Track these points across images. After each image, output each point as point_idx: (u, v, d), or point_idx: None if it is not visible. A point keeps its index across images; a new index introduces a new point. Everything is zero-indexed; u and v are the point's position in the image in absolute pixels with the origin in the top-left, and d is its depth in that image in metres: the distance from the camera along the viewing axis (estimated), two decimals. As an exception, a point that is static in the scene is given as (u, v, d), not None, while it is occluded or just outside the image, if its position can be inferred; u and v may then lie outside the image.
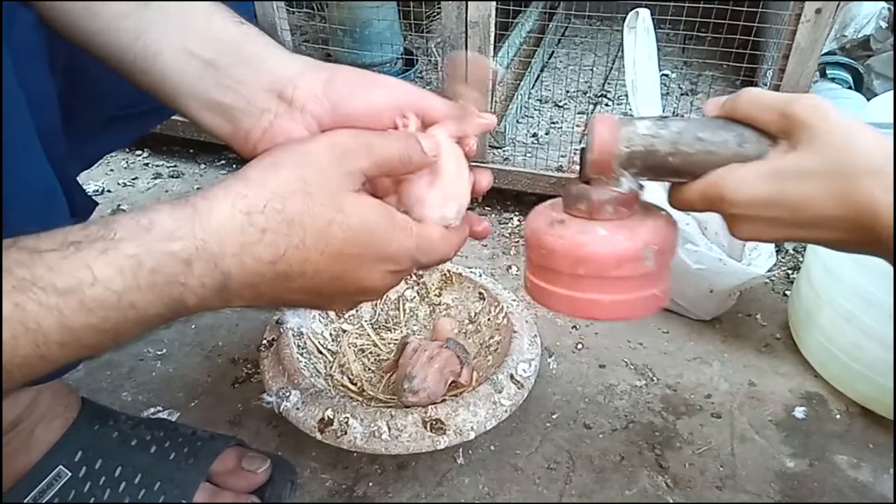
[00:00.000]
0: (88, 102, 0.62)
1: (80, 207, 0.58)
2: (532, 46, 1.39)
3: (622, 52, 0.82)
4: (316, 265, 0.38)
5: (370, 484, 0.69)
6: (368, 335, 0.82)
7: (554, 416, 0.76)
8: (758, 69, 1.18)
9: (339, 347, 0.79)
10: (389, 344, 0.81)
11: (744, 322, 0.90)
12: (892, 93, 0.79)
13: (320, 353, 0.77)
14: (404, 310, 0.85)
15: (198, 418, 0.75)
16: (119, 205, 1.14)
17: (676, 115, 1.19)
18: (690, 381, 0.81)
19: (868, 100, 1.12)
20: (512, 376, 0.69)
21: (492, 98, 1.05)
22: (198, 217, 0.35)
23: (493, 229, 1.09)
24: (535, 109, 1.25)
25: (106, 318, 0.31)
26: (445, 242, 0.44)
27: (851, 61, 1.30)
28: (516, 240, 1.06)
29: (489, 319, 0.80)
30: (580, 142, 0.43)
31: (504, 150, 1.11)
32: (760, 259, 0.84)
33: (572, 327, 0.88)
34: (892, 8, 1.31)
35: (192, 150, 1.27)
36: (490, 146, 1.09)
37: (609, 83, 1.31)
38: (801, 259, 1.00)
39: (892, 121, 0.74)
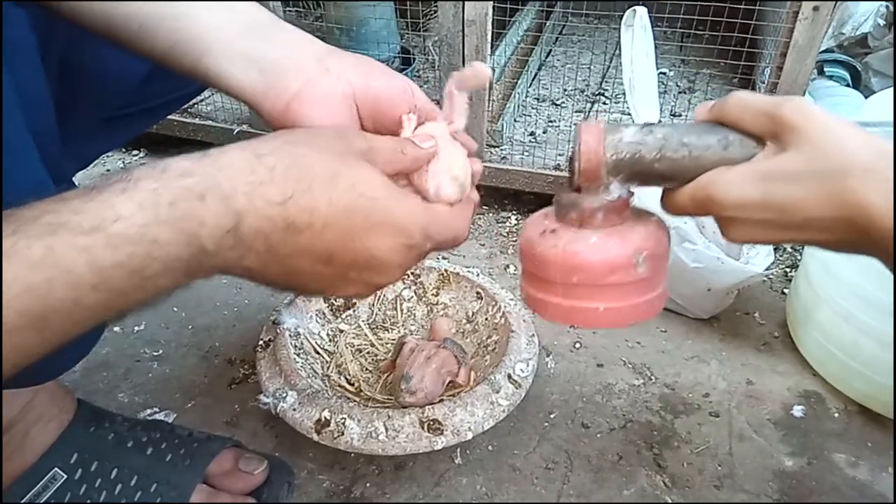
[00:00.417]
0: (83, 102, 0.61)
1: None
2: (529, 45, 1.39)
3: (620, 50, 0.82)
4: (324, 218, 0.37)
5: (367, 485, 0.69)
6: (366, 335, 0.82)
7: (552, 416, 0.76)
8: (755, 67, 1.18)
9: (336, 347, 0.79)
10: (387, 344, 0.81)
11: (742, 321, 0.90)
12: (890, 90, 0.78)
13: (317, 353, 0.76)
14: (402, 309, 0.85)
15: (194, 419, 0.75)
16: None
17: (674, 115, 1.18)
18: (688, 380, 0.81)
19: (866, 97, 1.12)
20: (509, 376, 0.69)
21: (489, 97, 1.04)
22: (209, 158, 0.36)
23: (490, 228, 1.09)
24: (533, 108, 1.24)
25: (132, 254, 0.32)
26: (457, 218, 0.44)
27: (849, 59, 1.30)
28: (514, 238, 1.06)
29: (487, 319, 0.80)
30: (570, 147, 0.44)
31: (501, 149, 1.11)
32: (758, 258, 0.83)
33: (570, 326, 0.88)
34: (889, 6, 1.31)
35: (188, 151, 1.26)
36: (487, 145, 1.09)
37: (607, 81, 1.30)
38: (799, 257, 1.00)
39: (882, 119, 0.73)
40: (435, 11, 0.99)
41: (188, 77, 0.45)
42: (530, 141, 1.13)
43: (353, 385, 0.75)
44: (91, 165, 1.09)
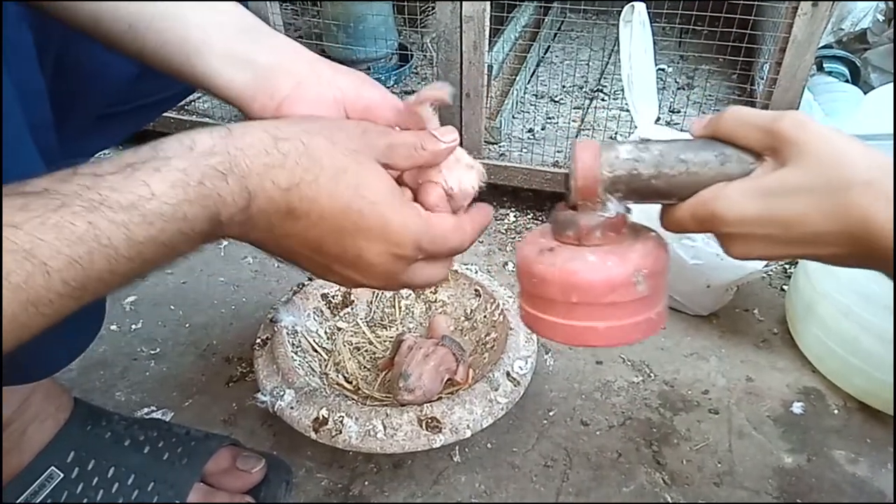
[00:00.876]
0: (79, 100, 0.61)
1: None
2: (528, 41, 1.38)
3: (618, 46, 0.81)
4: (321, 211, 0.39)
5: (366, 483, 0.69)
6: (364, 333, 0.81)
7: (551, 414, 0.76)
8: (754, 63, 1.18)
9: (334, 345, 0.78)
10: (385, 342, 0.81)
11: (741, 317, 0.90)
12: (888, 86, 0.78)
13: (315, 351, 0.76)
14: (400, 307, 0.85)
15: (192, 418, 0.75)
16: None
17: (672, 111, 1.18)
18: (688, 376, 0.81)
19: (865, 93, 1.12)
20: (508, 373, 0.68)
21: (487, 94, 1.04)
22: (231, 137, 0.38)
23: (488, 226, 1.08)
24: (531, 104, 1.24)
25: (164, 229, 0.34)
26: (458, 232, 0.44)
27: (848, 55, 1.30)
28: (512, 236, 1.06)
29: (485, 316, 0.80)
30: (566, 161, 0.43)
31: (500, 146, 1.10)
32: (757, 254, 0.83)
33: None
34: (889, 3, 1.31)
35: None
36: (486, 142, 1.08)
37: (605, 78, 1.30)
38: (798, 254, 0.99)
39: (881, 132, 0.73)
40: (433, 8, 0.98)
41: (177, 78, 0.45)
42: (529, 138, 1.13)
43: (351, 383, 0.75)
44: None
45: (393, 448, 0.62)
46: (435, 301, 0.85)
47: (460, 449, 0.71)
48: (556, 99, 1.25)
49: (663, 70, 1.33)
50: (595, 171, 0.42)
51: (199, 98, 1.21)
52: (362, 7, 1.25)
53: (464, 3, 0.93)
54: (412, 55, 1.37)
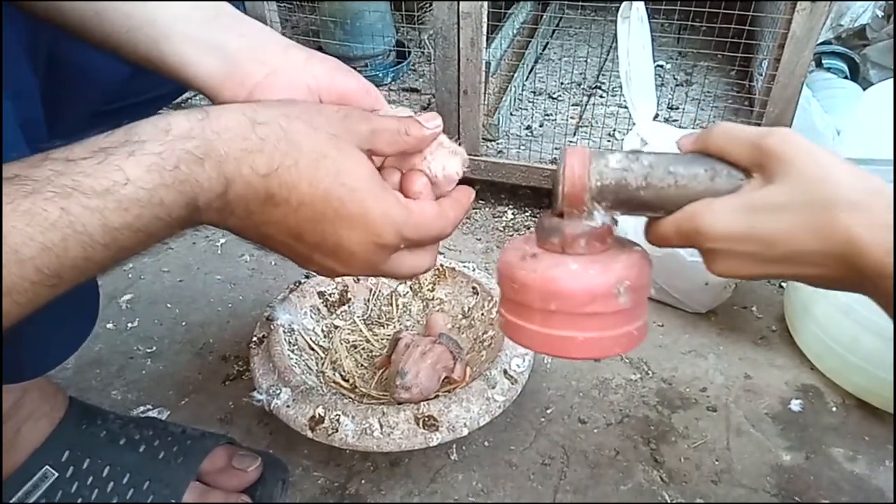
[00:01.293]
0: (71, 97, 0.61)
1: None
2: (526, 38, 1.38)
3: (617, 43, 0.81)
4: (301, 197, 0.38)
5: (363, 481, 0.68)
6: (361, 331, 0.81)
7: (548, 411, 0.75)
8: (753, 59, 1.17)
9: (330, 343, 0.78)
10: (382, 340, 0.81)
11: (739, 314, 0.90)
12: (887, 82, 0.78)
13: (312, 349, 0.76)
14: (397, 305, 0.84)
15: (188, 416, 0.74)
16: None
17: (671, 108, 1.18)
18: (686, 374, 0.81)
19: (864, 90, 1.12)
20: (505, 371, 0.68)
21: (485, 91, 1.04)
22: (208, 120, 0.37)
23: (486, 223, 1.08)
24: (529, 101, 1.24)
25: (140, 215, 0.34)
26: (441, 220, 0.44)
27: (847, 51, 1.30)
28: (510, 233, 1.05)
29: (483, 314, 0.79)
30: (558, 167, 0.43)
31: (498, 143, 1.10)
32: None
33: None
34: (888, 1, 1.30)
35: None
36: (484, 139, 1.08)
37: (603, 74, 1.30)
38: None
39: (872, 156, 0.72)
40: (430, 4, 0.98)
41: (145, 66, 0.44)
42: (527, 135, 1.13)
43: (347, 381, 0.75)
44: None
45: (389, 446, 0.62)
46: (432, 299, 0.84)
47: (457, 447, 0.71)
48: (555, 96, 1.25)
49: (662, 67, 1.33)
50: (583, 179, 0.41)
51: (195, 95, 1.20)
52: (360, 4, 1.25)
53: (461, -1, 0.93)
54: (410, 52, 1.37)
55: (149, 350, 0.83)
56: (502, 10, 1.12)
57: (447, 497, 0.67)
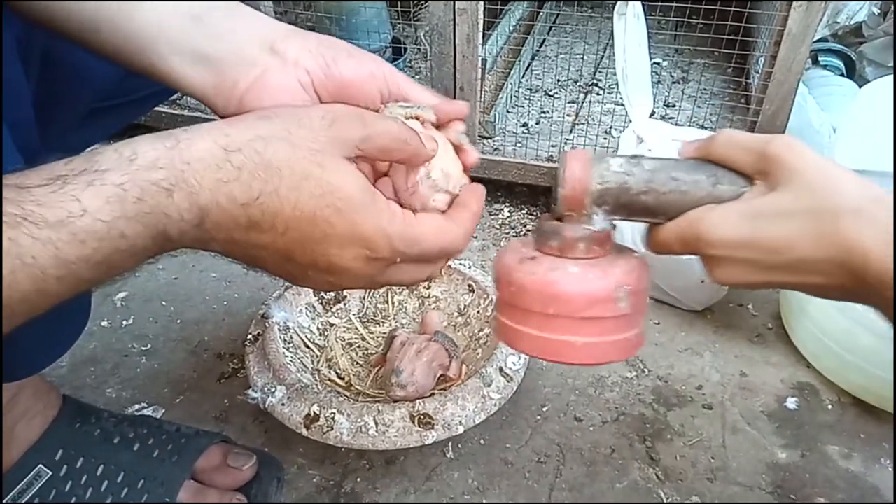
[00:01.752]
0: (67, 94, 0.60)
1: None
2: (522, 35, 1.38)
3: (613, 40, 0.81)
4: (287, 222, 0.36)
5: (358, 479, 0.68)
6: (356, 329, 0.81)
7: (544, 409, 0.75)
8: (749, 56, 1.17)
9: (326, 341, 0.78)
10: (378, 338, 0.80)
11: (735, 312, 0.90)
12: (883, 79, 0.78)
13: (307, 347, 0.76)
14: (393, 303, 0.84)
15: (183, 415, 0.74)
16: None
17: (668, 105, 1.18)
18: (682, 372, 0.81)
19: (860, 87, 1.12)
20: (501, 369, 0.68)
21: (481, 88, 1.03)
22: (178, 149, 0.34)
23: (482, 221, 1.08)
24: (526, 99, 1.23)
25: (98, 248, 0.32)
26: (445, 235, 0.41)
27: (844, 48, 1.30)
28: (507, 231, 1.05)
29: (479, 312, 0.79)
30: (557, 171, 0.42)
31: (494, 140, 1.10)
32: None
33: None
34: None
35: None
36: (480, 136, 1.08)
37: (600, 72, 1.29)
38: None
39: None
40: (426, 1, 0.98)
41: (146, 76, 0.43)
42: (523, 132, 1.12)
43: (343, 379, 0.74)
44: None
45: (385, 444, 0.62)
46: (428, 297, 0.84)
47: (453, 445, 0.71)
48: (551, 93, 1.25)
49: (658, 64, 1.33)
50: (584, 182, 0.41)
51: (190, 92, 1.20)
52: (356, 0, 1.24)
53: (457, -5, 0.92)
54: (406, 48, 1.36)
55: (143, 348, 0.83)
56: (498, 7, 1.12)
57: (443, 495, 0.67)
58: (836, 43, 1.32)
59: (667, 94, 1.22)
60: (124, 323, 0.86)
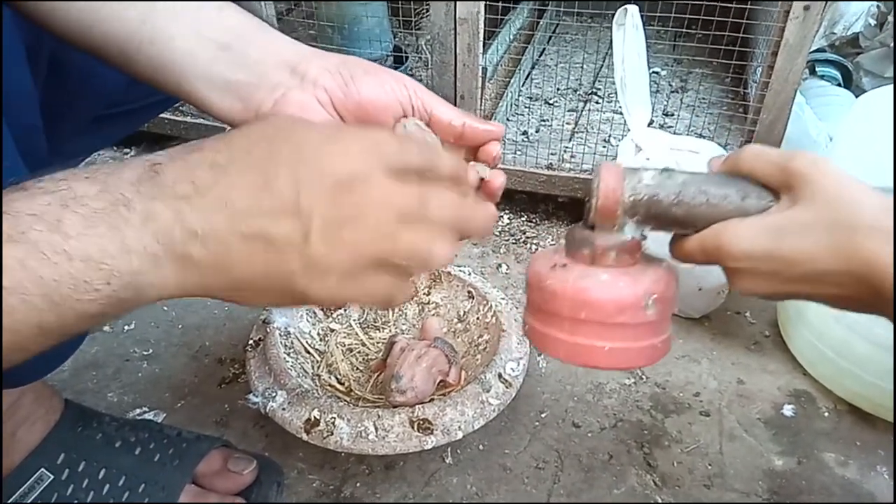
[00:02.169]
0: (73, 101, 0.61)
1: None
2: (522, 44, 1.39)
3: (612, 49, 0.82)
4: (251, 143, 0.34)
5: (358, 484, 0.69)
6: (356, 334, 0.81)
7: (543, 415, 0.76)
8: (747, 66, 1.18)
9: (326, 347, 0.79)
10: (378, 343, 0.81)
11: (733, 320, 0.90)
12: (879, 90, 0.78)
13: (308, 352, 0.76)
14: (393, 309, 0.85)
15: (184, 419, 0.74)
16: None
17: (666, 114, 1.18)
18: (679, 379, 0.81)
19: (857, 97, 1.13)
20: (500, 375, 0.68)
21: (481, 96, 1.04)
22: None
23: (482, 227, 1.08)
24: (526, 107, 1.24)
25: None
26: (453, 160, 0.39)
27: (841, 58, 1.31)
28: (506, 238, 1.06)
29: (478, 318, 0.80)
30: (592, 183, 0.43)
31: (494, 148, 1.10)
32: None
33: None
34: (880, 6, 1.32)
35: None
36: (480, 144, 1.08)
37: (599, 81, 1.30)
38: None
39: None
40: (427, 10, 0.99)
41: (178, 98, 0.45)
42: (523, 140, 1.13)
43: (343, 384, 0.75)
44: (82, 164, 1.09)
45: (384, 449, 0.62)
46: (428, 303, 0.85)
47: (452, 451, 0.72)
48: (551, 101, 1.25)
49: (657, 73, 1.34)
50: (617, 193, 0.42)
51: (193, 99, 1.21)
52: (357, 8, 1.25)
53: (458, 5, 0.93)
54: (407, 57, 1.37)
55: (145, 353, 0.83)
56: (499, 16, 1.13)
57: (441, 500, 0.67)
58: (834, 53, 1.33)
59: (665, 103, 1.23)
60: (126, 328, 0.87)
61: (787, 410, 0.77)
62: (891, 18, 1.30)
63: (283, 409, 0.65)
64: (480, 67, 0.99)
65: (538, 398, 0.78)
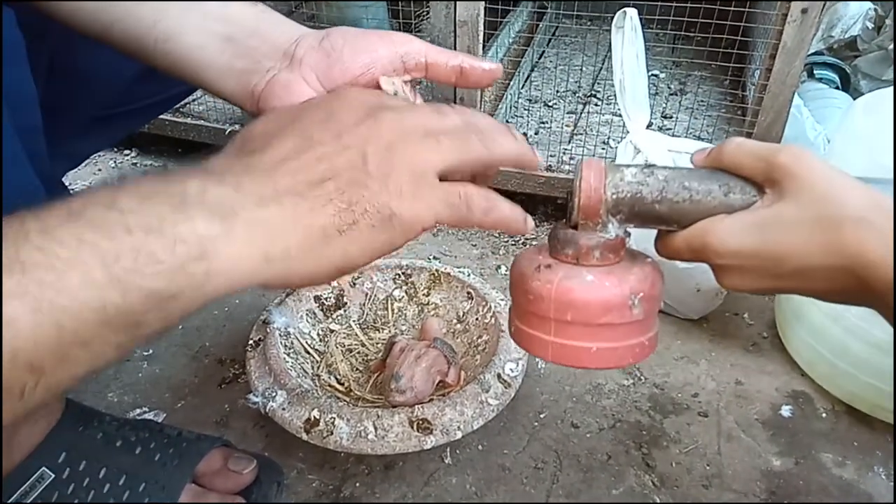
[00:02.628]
0: (73, 102, 0.61)
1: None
2: (522, 46, 1.39)
3: (611, 52, 0.82)
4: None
5: (357, 484, 0.69)
6: (356, 335, 0.82)
7: (542, 416, 0.76)
8: (746, 69, 1.19)
9: (326, 347, 0.79)
10: (377, 344, 0.81)
11: (731, 321, 0.91)
12: (876, 93, 0.79)
13: (307, 352, 0.76)
14: (392, 309, 0.85)
15: (184, 419, 0.75)
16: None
17: (665, 116, 1.19)
18: (678, 380, 0.82)
19: (854, 100, 1.13)
20: (499, 376, 0.69)
21: (481, 99, 1.05)
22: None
23: (481, 230, 1.09)
24: (525, 109, 1.25)
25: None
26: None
27: (838, 61, 1.31)
28: (506, 239, 1.06)
29: (477, 319, 0.80)
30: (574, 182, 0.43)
31: (493, 150, 1.10)
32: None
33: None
34: (878, 9, 1.32)
35: (180, 150, 1.26)
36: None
37: (599, 83, 1.31)
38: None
39: (882, 176, 0.73)
40: (427, 12, 0.99)
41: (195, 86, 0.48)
42: (522, 142, 1.13)
43: (343, 385, 0.75)
44: (83, 165, 1.09)
45: (384, 449, 0.62)
46: (427, 304, 0.85)
47: (451, 451, 0.72)
48: (550, 104, 1.26)
49: (656, 76, 1.34)
50: (599, 192, 0.42)
51: (194, 101, 1.21)
52: (357, 11, 1.26)
53: (458, 7, 0.94)
54: (407, 59, 1.38)
55: (145, 353, 0.84)
56: (499, 19, 1.13)
57: (440, 500, 0.67)
58: (832, 56, 1.33)
59: (664, 105, 1.24)
60: (126, 328, 0.87)
61: (785, 411, 0.78)
62: (888, 21, 1.31)
63: (283, 409, 0.65)
64: (480, 69, 0.99)
65: (537, 398, 0.78)
